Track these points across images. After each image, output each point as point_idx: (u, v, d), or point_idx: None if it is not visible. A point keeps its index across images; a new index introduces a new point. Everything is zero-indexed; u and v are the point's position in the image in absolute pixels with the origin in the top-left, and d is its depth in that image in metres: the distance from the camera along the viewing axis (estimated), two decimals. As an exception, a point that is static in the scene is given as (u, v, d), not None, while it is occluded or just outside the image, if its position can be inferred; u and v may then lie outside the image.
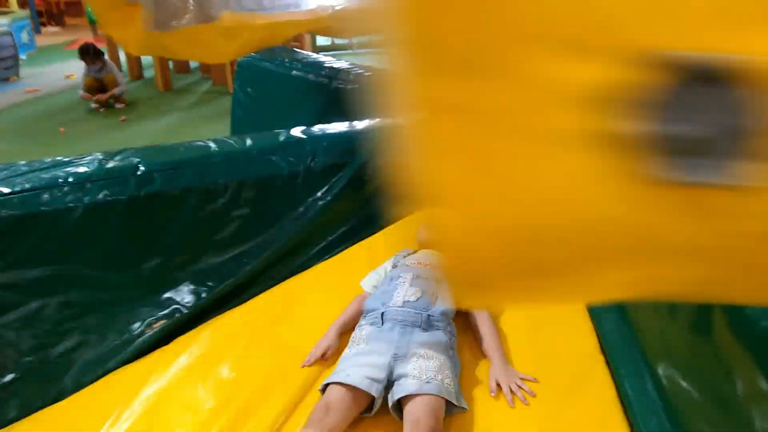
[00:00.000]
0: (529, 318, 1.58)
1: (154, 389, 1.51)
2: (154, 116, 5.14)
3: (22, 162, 1.72)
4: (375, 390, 1.29)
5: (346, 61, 3.18)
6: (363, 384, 1.29)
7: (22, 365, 1.57)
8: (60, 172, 1.64)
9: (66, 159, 1.74)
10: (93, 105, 5.32)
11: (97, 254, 1.66)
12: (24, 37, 8.88)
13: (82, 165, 1.70)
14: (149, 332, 1.69)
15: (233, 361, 1.57)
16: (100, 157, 1.76)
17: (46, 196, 1.57)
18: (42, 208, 1.58)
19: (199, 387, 1.50)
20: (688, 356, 1.12)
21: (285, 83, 3.25)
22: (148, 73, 6.73)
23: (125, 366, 1.62)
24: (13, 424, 1.48)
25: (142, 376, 1.56)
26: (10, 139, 4.52)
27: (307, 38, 6.73)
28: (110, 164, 1.74)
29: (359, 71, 2.97)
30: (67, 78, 6.87)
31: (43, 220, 1.57)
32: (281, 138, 1.91)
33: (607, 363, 1.40)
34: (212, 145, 1.87)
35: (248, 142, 1.87)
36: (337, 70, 3.04)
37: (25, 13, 10.49)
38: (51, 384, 1.57)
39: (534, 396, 1.34)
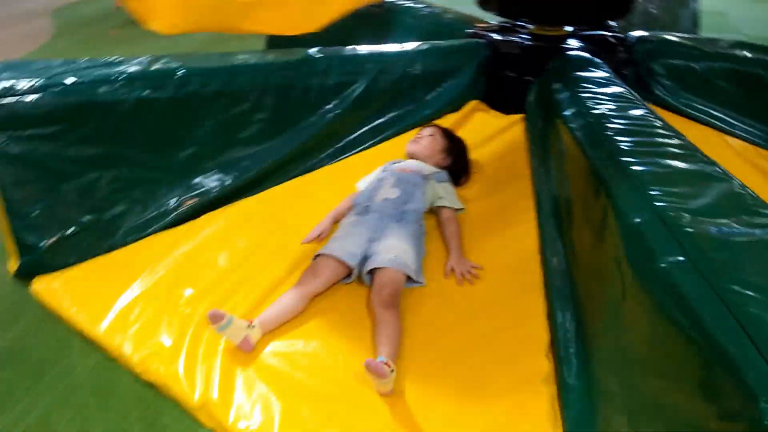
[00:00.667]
0: (486, 222, 1.91)
1: (182, 251, 1.92)
2: (199, 25, 5.41)
3: (83, 59, 2.06)
4: (353, 261, 1.65)
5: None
6: (344, 256, 1.65)
7: (81, 223, 1.96)
8: (114, 70, 1.97)
9: (119, 59, 2.07)
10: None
11: (143, 140, 2.02)
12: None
13: (132, 65, 2.03)
14: (182, 208, 2.07)
15: (247, 236, 1.96)
16: (147, 59, 2.09)
17: (103, 88, 1.91)
18: (99, 98, 1.93)
19: (217, 252, 1.89)
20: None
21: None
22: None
23: (161, 232, 2.02)
24: (72, 267, 1.90)
25: (174, 240, 1.96)
26: (69, 37, 4.88)
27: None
28: (155, 66, 2.06)
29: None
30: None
31: (100, 108, 1.92)
32: (299, 56, 2.20)
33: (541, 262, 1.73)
34: (240, 56, 2.17)
35: (271, 56, 2.17)
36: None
37: None
38: (102, 240, 1.98)
39: (478, 278, 1.69)
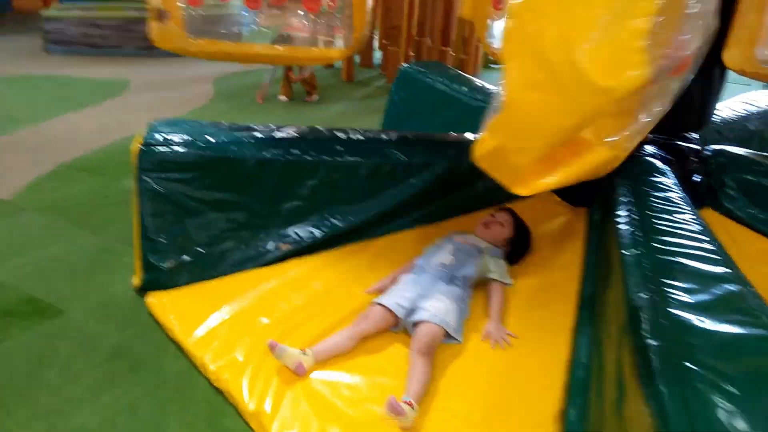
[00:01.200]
0: (530, 298, 2.09)
1: (268, 287, 2.26)
2: (332, 102, 6.08)
3: (225, 122, 2.56)
4: (400, 312, 1.90)
5: (482, 81, 3.73)
6: (392, 306, 1.91)
7: (194, 253, 2.39)
8: (245, 133, 2.44)
9: (253, 125, 2.54)
10: (281, 98, 6.20)
11: (257, 191, 2.44)
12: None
13: (259, 131, 2.49)
14: (277, 252, 2.44)
15: (323, 281, 2.27)
16: (273, 127, 2.55)
17: (234, 147, 2.37)
18: (230, 154, 2.39)
19: (296, 291, 2.22)
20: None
21: (430, 92, 3.88)
22: (338, 64, 7.77)
23: (256, 269, 2.39)
24: (181, 288, 2.31)
25: (264, 277, 2.32)
26: (225, 101, 5.71)
27: (480, 51, 7.31)
28: (277, 134, 2.51)
29: (489, 90, 3.51)
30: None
31: (229, 163, 2.37)
32: (394, 136, 2.56)
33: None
34: (348, 132, 2.57)
35: (372, 135, 2.55)
36: (473, 88, 3.61)
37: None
38: (209, 269, 2.38)
39: (511, 345, 1.86)
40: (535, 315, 2.01)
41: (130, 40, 7.47)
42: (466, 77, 4.03)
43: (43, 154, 3.95)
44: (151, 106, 5.39)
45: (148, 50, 7.53)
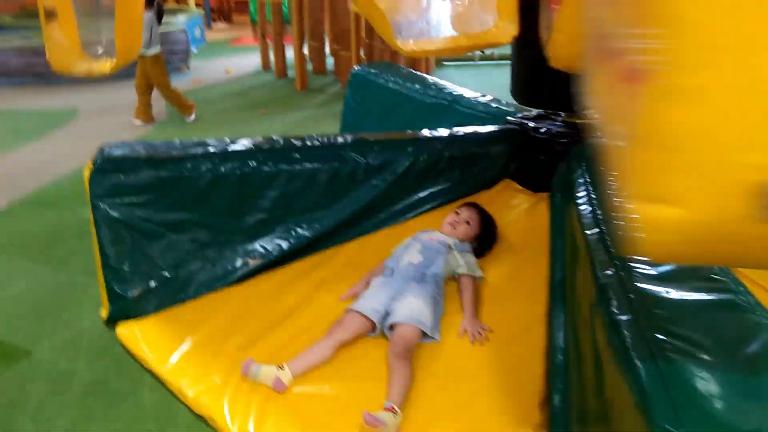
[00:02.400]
0: (502, 289, 2.10)
1: (240, 304, 2.22)
2: (288, 111, 6.05)
3: (177, 140, 2.51)
4: (375, 317, 1.89)
5: (434, 78, 3.75)
6: (367, 312, 1.90)
7: (160, 278, 2.33)
8: (199, 149, 2.39)
9: (205, 140, 2.50)
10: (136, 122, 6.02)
11: (218, 207, 2.39)
12: (196, 32, 10.42)
13: (213, 146, 2.45)
14: (245, 268, 2.41)
15: (295, 293, 2.25)
16: (227, 141, 2.50)
17: (188, 164, 2.32)
18: (185, 172, 2.34)
19: (268, 307, 2.19)
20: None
21: (384, 93, 3.88)
22: (291, 73, 7.73)
23: (227, 287, 2.35)
24: (150, 315, 2.26)
25: (235, 295, 2.28)
26: (177, 120, 5.61)
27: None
28: (232, 147, 2.47)
29: (442, 87, 3.54)
30: (227, 72, 8.08)
31: (185, 181, 2.33)
32: (350, 139, 2.55)
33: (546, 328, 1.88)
34: (303, 140, 2.55)
35: (330, 140, 2.54)
36: (426, 86, 3.63)
37: (200, 11, 12.16)
38: (177, 293, 2.32)
39: (488, 340, 1.87)
40: (508, 305, 2.02)
41: (74, 67, 7.28)
42: (419, 75, 4.05)
43: (-7, 191, 3.83)
44: (102, 132, 5.27)
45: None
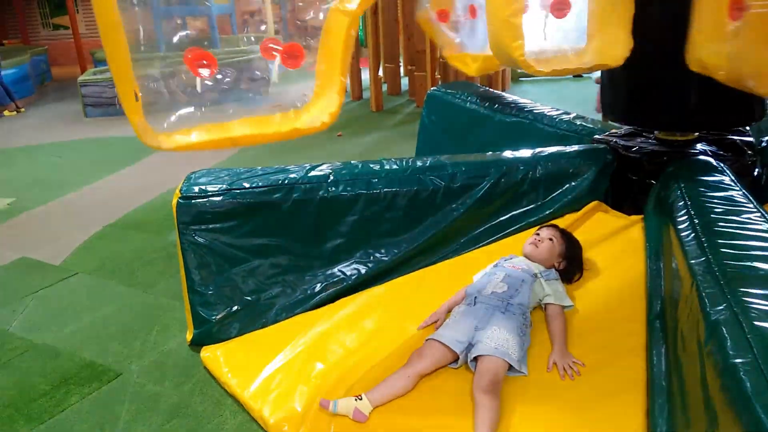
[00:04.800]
0: (593, 319, 1.97)
1: (318, 330, 2.21)
2: (364, 133, 6.10)
3: (259, 168, 2.55)
4: (458, 348, 1.81)
5: (513, 96, 3.66)
6: (450, 342, 1.83)
7: (243, 302, 2.37)
8: (280, 176, 2.42)
9: (286, 167, 2.53)
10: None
11: (299, 233, 2.41)
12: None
13: (293, 172, 2.48)
14: (324, 293, 2.40)
15: (374, 319, 2.21)
16: (307, 167, 2.53)
17: (270, 192, 2.35)
18: (267, 198, 2.37)
19: (347, 332, 2.16)
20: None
21: (461, 113, 3.84)
22: (367, 95, 7.82)
23: (306, 312, 2.35)
24: (234, 339, 2.29)
25: (314, 320, 2.27)
26: (262, 144, 5.78)
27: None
28: (311, 173, 2.49)
29: (522, 105, 3.44)
30: (304, 96, 8.27)
31: (267, 207, 2.36)
32: (429, 162, 2.51)
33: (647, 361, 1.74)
34: (382, 163, 2.53)
35: (407, 162, 2.50)
36: (505, 104, 3.55)
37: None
38: (258, 317, 2.35)
39: (579, 375, 1.75)
40: (600, 337, 1.89)
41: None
42: (497, 94, 3.97)
43: (89, 216, 4.05)
44: (187, 158, 5.48)
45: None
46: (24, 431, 1.96)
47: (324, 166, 2.56)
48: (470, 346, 1.83)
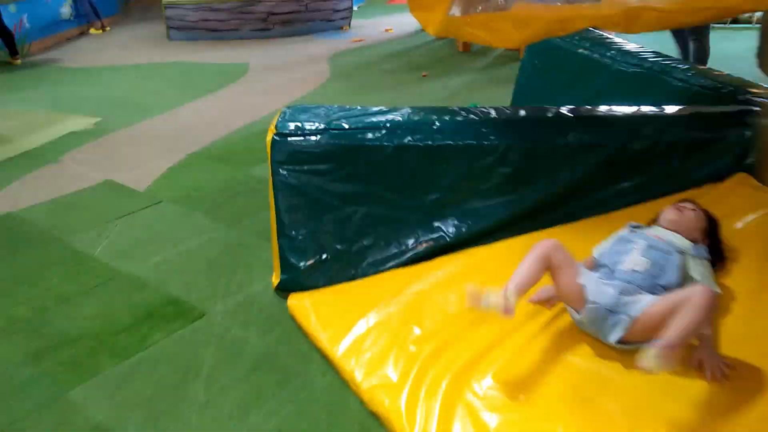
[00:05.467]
0: (738, 311, 1.70)
1: (414, 290, 2.04)
2: (450, 75, 5.75)
3: (358, 107, 2.35)
4: (604, 300, 1.62)
5: (636, 44, 3.26)
6: (594, 294, 1.64)
7: (333, 250, 2.22)
8: (381, 118, 2.22)
9: (385, 109, 2.32)
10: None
11: (396, 182, 2.22)
12: (358, -11, 10.33)
13: (395, 114, 2.26)
14: (419, 248, 2.22)
15: (478, 281, 2.01)
16: (409, 111, 2.30)
17: (370, 134, 2.16)
18: (366, 142, 2.18)
19: (446, 295, 1.98)
20: None
21: (570, 59, 3.46)
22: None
23: (398, 269, 2.18)
24: (321, 288, 2.15)
25: (408, 278, 2.10)
26: (341, 80, 5.56)
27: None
28: (415, 117, 2.27)
29: (646, 54, 3.05)
30: (386, 31, 7.93)
31: (366, 151, 2.17)
32: (548, 113, 2.23)
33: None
34: (491, 111, 2.28)
35: (521, 112, 2.24)
36: (624, 52, 3.16)
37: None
38: (348, 268, 2.20)
39: (728, 380, 1.50)
40: (752, 332, 1.62)
41: (246, 23, 7.52)
42: (613, 39, 3.56)
43: (172, 144, 3.98)
44: (271, 89, 5.35)
45: (263, 32, 7.56)
46: (108, 366, 1.92)
47: (427, 110, 2.33)
48: (610, 313, 1.59)
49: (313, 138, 2.16)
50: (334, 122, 2.21)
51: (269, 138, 2.20)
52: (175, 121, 4.49)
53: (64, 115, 4.64)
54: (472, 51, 6.70)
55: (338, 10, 8.15)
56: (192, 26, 7.50)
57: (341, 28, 8.17)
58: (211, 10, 7.42)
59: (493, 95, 4.89)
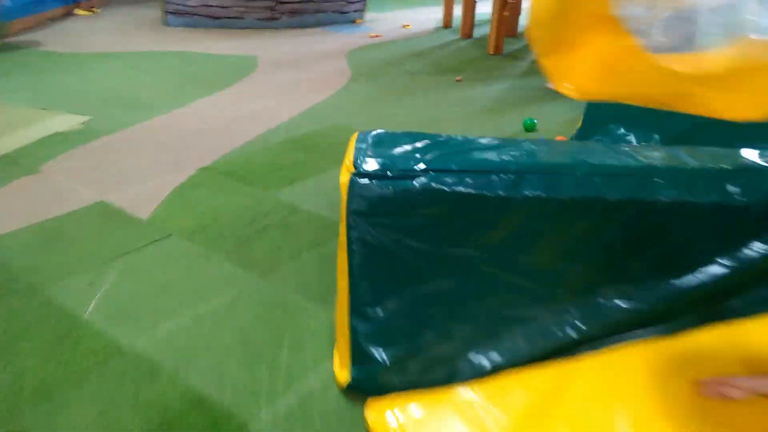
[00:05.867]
0: None
1: (540, 401, 1.44)
2: (487, 81, 5.13)
3: (458, 136, 1.72)
4: None
5: None
6: None
7: (432, 339, 1.60)
8: (504, 156, 1.59)
9: (498, 141, 1.70)
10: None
11: (520, 247, 1.59)
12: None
13: (515, 149, 1.63)
14: (546, 346, 1.60)
15: (628, 396, 1.41)
16: (535, 147, 1.68)
17: (489, 177, 1.52)
18: (485, 190, 1.53)
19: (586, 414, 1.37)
20: None
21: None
22: (477, 32, 6.79)
23: (514, 371, 1.56)
24: (412, 394, 1.53)
25: (531, 384, 1.51)
26: (366, 81, 4.89)
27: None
28: (543, 157, 1.64)
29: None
30: (404, 27, 7.28)
31: (483, 204, 1.53)
32: (737, 162, 1.61)
33: None
34: (650, 154, 1.66)
35: (692, 160, 1.62)
36: None
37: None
38: (452, 367, 1.60)
39: None
40: None
41: (251, 11, 6.81)
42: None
43: (179, 153, 3.31)
44: (286, 88, 4.67)
45: (269, 21, 6.86)
46: None
47: (555, 145, 1.70)
48: None
49: (409, 182, 1.52)
50: (436, 159, 1.57)
51: (345, 178, 1.56)
52: (180, 124, 3.80)
53: (46, 111, 3.92)
54: (504, 53, 6.09)
55: (352, 2, 7.48)
56: (192, 12, 6.76)
57: (354, 21, 7.50)
58: (213, -5, 6.70)
59: (544, 108, 4.28)
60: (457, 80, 5.09)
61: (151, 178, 2.97)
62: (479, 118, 4.11)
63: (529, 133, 3.80)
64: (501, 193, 1.52)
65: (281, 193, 2.81)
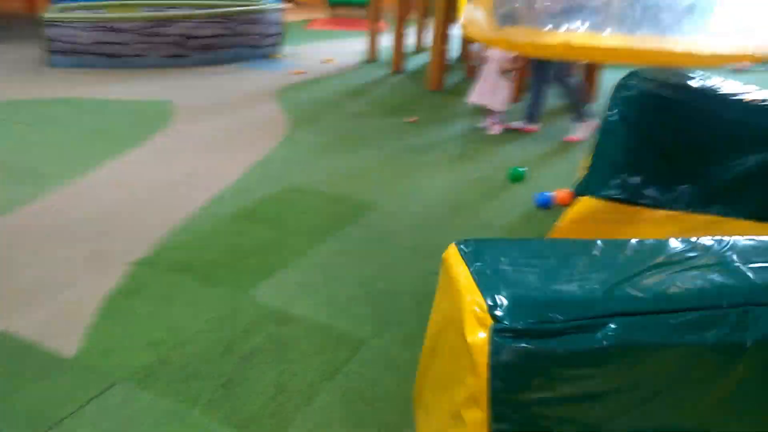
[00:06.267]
0: None
1: None
2: (441, 121, 4.65)
3: (628, 247, 1.15)
4: None
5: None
6: None
7: None
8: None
9: (687, 245, 1.15)
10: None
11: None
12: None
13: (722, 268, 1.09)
14: None
15: None
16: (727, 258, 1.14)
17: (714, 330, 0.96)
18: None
19: None
20: None
21: (694, 118, 2.53)
22: (410, 65, 6.37)
23: None
24: None
25: None
26: (309, 130, 4.23)
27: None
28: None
29: None
30: (326, 62, 6.71)
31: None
32: None
33: None
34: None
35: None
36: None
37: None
38: None
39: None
40: None
41: (155, 47, 5.95)
42: (739, 85, 2.65)
43: (99, 239, 2.49)
44: (216, 141, 3.92)
45: (177, 59, 6.03)
46: None
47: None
48: None
49: (581, 335, 0.93)
50: (614, 292, 0.99)
51: (475, 338, 0.94)
52: (90, 199, 2.93)
53: None
54: (444, 90, 5.65)
55: (268, 35, 6.81)
56: (83, 50, 5.78)
57: (270, 56, 6.83)
58: (110, 30, 5.77)
59: (514, 151, 3.85)
60: (411, 121, 4.57)
61: (63, 286, 2.14)
62: (452, 166, 3.60)
63: (517, 183, 3.33)
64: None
65: (259, 293, 2.11)
